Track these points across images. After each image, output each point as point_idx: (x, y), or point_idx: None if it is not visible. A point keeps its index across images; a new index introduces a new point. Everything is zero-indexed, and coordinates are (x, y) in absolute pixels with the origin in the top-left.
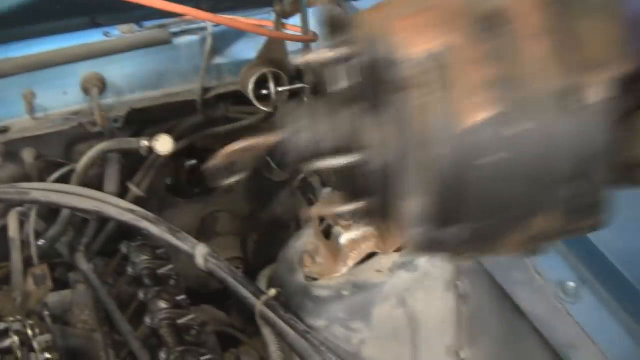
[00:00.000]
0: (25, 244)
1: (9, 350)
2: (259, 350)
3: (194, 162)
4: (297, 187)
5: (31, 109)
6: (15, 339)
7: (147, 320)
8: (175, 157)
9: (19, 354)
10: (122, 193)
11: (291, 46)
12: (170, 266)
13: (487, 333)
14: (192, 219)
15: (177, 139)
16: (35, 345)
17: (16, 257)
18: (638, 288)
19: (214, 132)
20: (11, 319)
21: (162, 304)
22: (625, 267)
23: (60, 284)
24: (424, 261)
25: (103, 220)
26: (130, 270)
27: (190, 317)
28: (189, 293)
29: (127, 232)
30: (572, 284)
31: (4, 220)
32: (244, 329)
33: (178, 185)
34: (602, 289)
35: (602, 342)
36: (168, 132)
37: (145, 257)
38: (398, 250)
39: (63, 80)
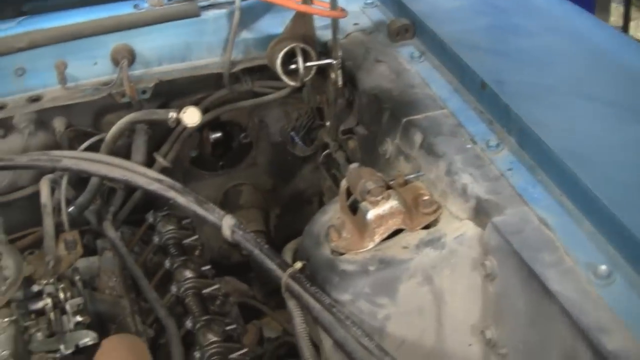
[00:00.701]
0: (55, 210)
1: (41, 312)
2: (281, 323)
3: (219, 135)
4: (321, 163)
5: (62, 79)
6: (48, 301)
7: (173, 288)
8: (201, 129)
9: (51, 315)
10: (149, 164)
11: (318, 21)
12: (195, 236)
13: (513, 313)
14: (215, 191)
15: (203, 111)
16: (68, 307)
17: (48, 223)
18: None
19: (239, 105)
20: (44, 281)
21: (188, 273)
22: None
23: (88, 251)
24: (450, 239)
25: (130, 189)
26: (156, 239)
27: (215, 287)
28: (211, 264)
29: (152, 201)
30: (603, 267)
31: (36, 187)
32: (266, 301)
33: (202, 158)
34: (634, 272)
35: (633, 327)
36: (194, 104)
37: (171, 227)
38: (425, 227)
39: (93, 51)
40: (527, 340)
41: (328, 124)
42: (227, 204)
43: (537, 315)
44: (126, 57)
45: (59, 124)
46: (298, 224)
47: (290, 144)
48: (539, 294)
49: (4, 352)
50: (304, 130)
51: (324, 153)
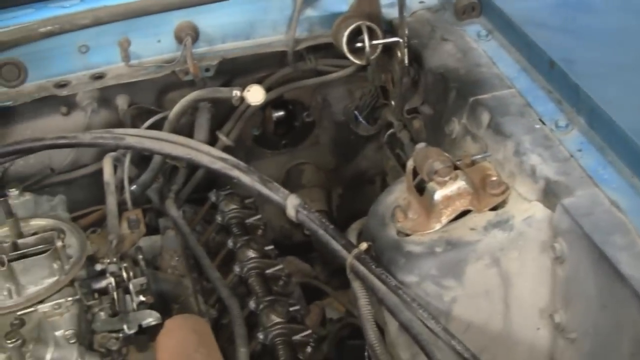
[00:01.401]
0: (117, 188)
1: (104, 291)
2: (344, 303)
3: (281, 113)
4: (385, 142)
5: (126, 56)
6: (111, 280)
7: (236, 268)
8: (264, 108)
9: (114, 295)
10: (211, 142)
11: None
12: (258, 216)
13: (583, 297)
14: (277, 170)
15: (266, 90)
16: (131, 287)
17: (111, 201)
18: None
19: (303, 84)
20: (107, 260)
21: (251, 253)
22: None
23: (150, 230)
24: (519, 221)
25: (192, 168)
26: (219, 218)
27: (278, 267)
28: (273, 244)
29: (214, 180)
30: None
31: (98, 165)
32: (328, 282)
33: (265, 136)
34: None
35: None
36: (258, 82)
37: (234, 206)
38: (493, 209)
39: (157, 29)
40: (597, 325)
41: (393, 103)
42: (289, 183)
43: (608, 299)
44: (190, 35)
45: (122, 101)
46: (360, 204)
47: (354, 122)
48: (611, 278)
49: (68, 331)
50: (367, 109)
51: (388, 132)
